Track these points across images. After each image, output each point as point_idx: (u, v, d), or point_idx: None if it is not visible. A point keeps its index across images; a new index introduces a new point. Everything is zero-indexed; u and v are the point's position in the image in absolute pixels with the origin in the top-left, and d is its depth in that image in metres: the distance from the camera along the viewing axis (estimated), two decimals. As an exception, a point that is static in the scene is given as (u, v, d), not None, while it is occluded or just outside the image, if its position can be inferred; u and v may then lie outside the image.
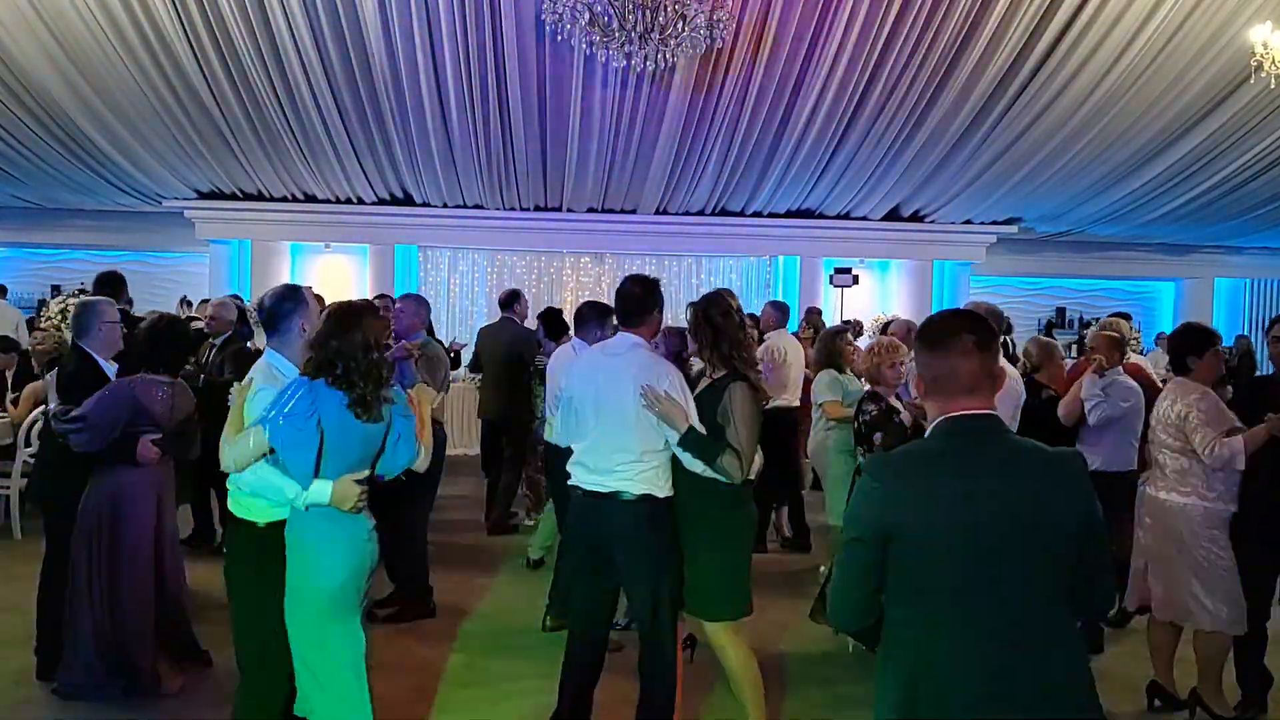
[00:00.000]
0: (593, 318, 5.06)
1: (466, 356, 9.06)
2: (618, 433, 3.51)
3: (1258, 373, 9.33)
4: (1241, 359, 10.58)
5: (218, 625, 3.94)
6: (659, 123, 9.70)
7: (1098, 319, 9.41)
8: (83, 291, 7.52)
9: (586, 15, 6.93)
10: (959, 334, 2.06)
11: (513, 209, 12.04)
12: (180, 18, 8.09)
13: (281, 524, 3.09)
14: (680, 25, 6.94)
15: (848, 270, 12.40)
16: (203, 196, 11.84)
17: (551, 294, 12.76)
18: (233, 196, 11.82)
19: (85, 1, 7.91)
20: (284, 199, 11.79)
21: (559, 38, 7.32)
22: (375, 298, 7.34)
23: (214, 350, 6.38)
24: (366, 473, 3.11)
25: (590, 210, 12.13)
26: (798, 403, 6.92)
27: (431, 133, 9.83)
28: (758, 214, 12.39)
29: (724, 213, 12.30)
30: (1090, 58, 8.64)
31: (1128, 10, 8.06)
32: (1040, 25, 8.28)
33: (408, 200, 11.90)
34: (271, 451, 3.01)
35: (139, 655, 4.14)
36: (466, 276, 13.22)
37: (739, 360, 3.61)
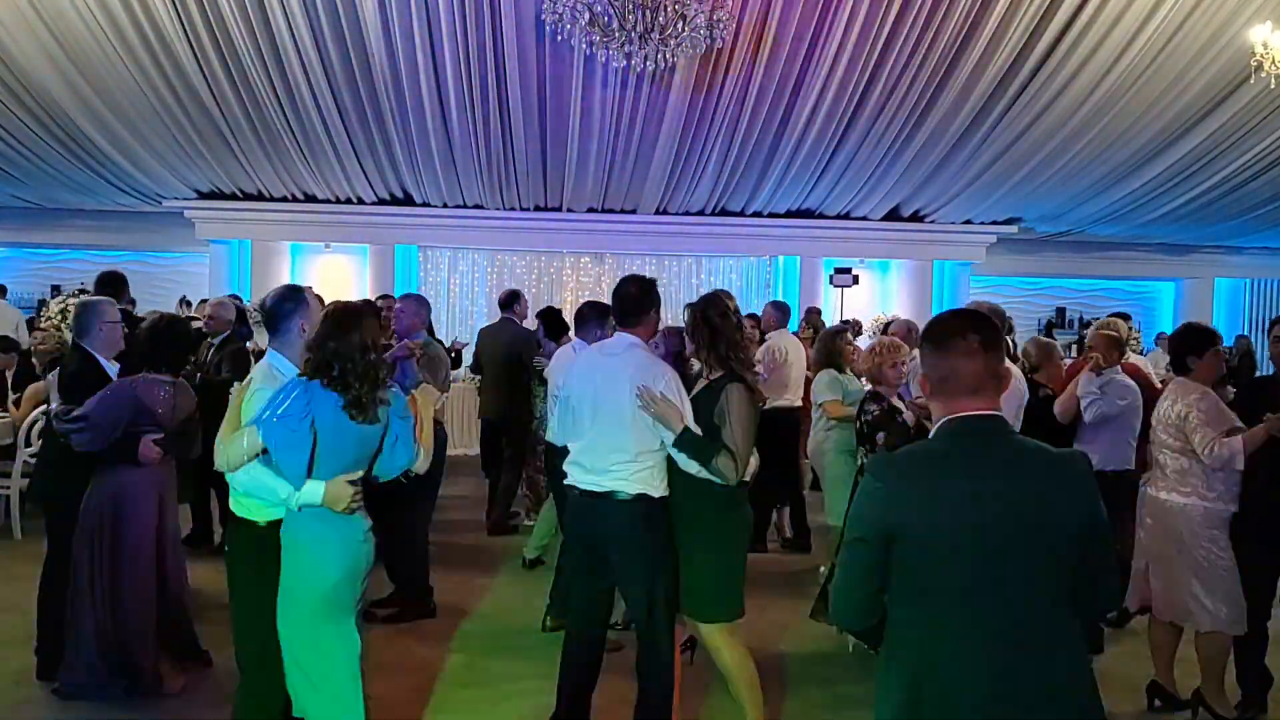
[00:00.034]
0: (593, 318, 5.07)
1: (468, 356, 9.06)
2: (614, 432, 3.51)
3: (1258, 373, 9.35)
4: (1242, 359, 10.60)
5: (218, 625, 3.95)
6: (659, 123, 9.70)
7: (1098, 319, 9.39)
8: (83, 291, 7.53)
9: (586, 15, 6.93)
10: (964, 334, 2.05)
11: (513, 209, 12.04)
12: (180, 18, 8.09)
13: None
14: (680, 25, 6.94)
15: (848, 270, 12.39)
16: (203, 196, 11.84)
17: (551, 294, 12.74)
18: (233, 196, 11.82)
19: (85, 1, 7.91)
20: (284, 199, 11.79)
21: (559, 38, 7.32)
22: (378, 298, 7.33)
23: (212, 350, 6.38)
24: (361, 474, 3.10)
25: (590, 210, 12.13)
26: (799, 403, 6.92)
27: (431, 133, 9.83)
28: (758, 214, 12.38)
29: (724, 213, 12.29)
30: (1090, 58, 8.64)
31: (1128, 10, 8.06)
32: (1040, 25, 8.28)
33: (408, 200, 11.90)
34: (265, 452, 3.00)
35: (140, 655, 4.13)
36: (466, 276, 13.21)
37: (736, 361, 3.61)
